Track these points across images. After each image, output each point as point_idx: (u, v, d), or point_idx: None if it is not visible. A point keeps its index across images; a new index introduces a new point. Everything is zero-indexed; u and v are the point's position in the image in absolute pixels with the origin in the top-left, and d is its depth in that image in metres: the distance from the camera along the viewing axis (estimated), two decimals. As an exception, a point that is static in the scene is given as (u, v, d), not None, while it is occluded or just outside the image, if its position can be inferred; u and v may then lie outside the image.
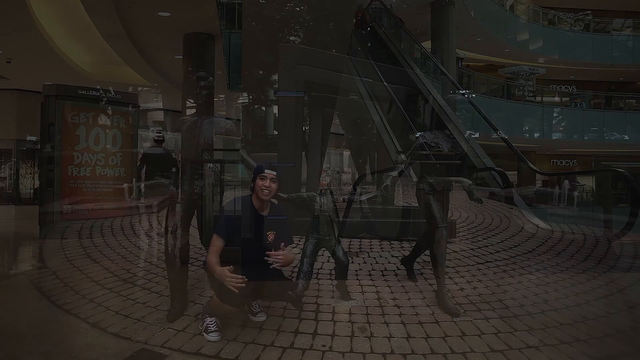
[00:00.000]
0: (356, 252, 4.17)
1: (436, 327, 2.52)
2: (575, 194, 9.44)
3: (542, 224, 5.38)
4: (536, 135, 13.50)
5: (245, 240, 2.34)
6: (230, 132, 3.13)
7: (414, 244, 3.54)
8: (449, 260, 3.75)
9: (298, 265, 2.86)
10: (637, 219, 4.05)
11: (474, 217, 5.81)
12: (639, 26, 14.96)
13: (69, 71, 8.30)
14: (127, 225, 5.13)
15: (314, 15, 7.11)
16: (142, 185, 5.66)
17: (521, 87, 13.64)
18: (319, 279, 3.30)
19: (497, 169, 5.34)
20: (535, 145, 13.96)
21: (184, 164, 2.94)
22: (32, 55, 7.84)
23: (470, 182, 3.00)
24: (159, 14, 6.97)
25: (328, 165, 10.98)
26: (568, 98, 14.92)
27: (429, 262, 3.24)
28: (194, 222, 2.95)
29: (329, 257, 3.40)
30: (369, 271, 3.59)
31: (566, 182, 9.54)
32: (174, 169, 4.57)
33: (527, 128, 13.63)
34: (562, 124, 13.91)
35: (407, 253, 3.54)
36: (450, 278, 3.38)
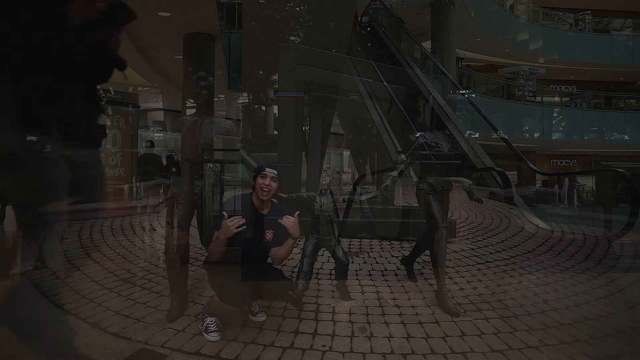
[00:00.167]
0: (356, 252, 4.17)
1: (436, 327, 2.52)
2: (575, 194, 9.44)
3: (542, 224, 5.38)
4: (536, 135, 13.49)
5: (245, 239, 2.34)
6: (230, 132, 3.12)
7: (414, 244, 3.54)
8: (449, 260, 3.75)
9: (298, 265, 2.86)
10: (637, 219, 4.05)
11: (474, 217, 5.81)
12: (639, 26, 14.96)
13: (69, 71, 8.28)
14: (127, 225, 5.13)
15: (314, 15, 7.11)
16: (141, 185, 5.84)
17: (521, 87, 13.64)
18: (319, 279, 3.30)
19: (497, 169, 5.34)
20: (535, 145, 13.96)
21: (184, 164, 2.94)
22: (32, 55, 7.83)
23: (470, 182, 3.00)
24: (159, 14, 6.97)
25: (328, 165, 10.99)
26: (568, 98, 14.91)
27: (429, 262, 3.24)
28: (194, 222, 2.95)
29: (329, 257, 3.40)
30: (369, 271, 3.59)
31: (566, 180, 9.55)
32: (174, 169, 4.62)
33: (527, 128, 13.62)
34: (562, 124, 13.91)
35: (407, 253, 3.54)
36: (450, 278, 3.38)
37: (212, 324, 2.33)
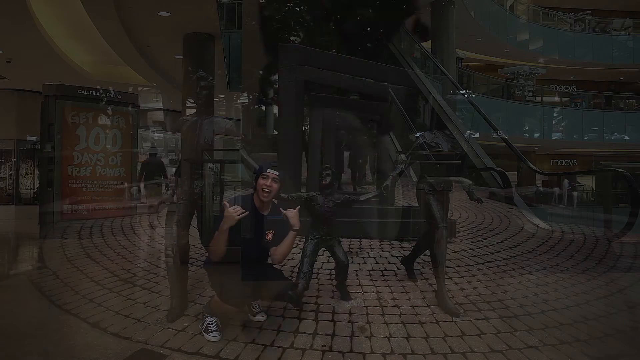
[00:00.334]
0: (356, 252, 4.17)
1: (436, 327, 2.52)
2: (575, 194, 9.45)
3: (542, 224, 5.38)
4: (536, 135, 13.50)
5: (245, 239, 2.34)
6: (230, 132, 3.12)
7: (414, 244, 3.54)
8: (449, 260, 3.75)
9: (298, 265, 2.86)
10: (637, 219, 4.06)
11: (474, 217, 5.81)
12: (639, 26, 14.96)
13: (69, 71, 8.30)
14: (127, 225, 5.13)
15: (314, 15, 7.11)
16: (142, 186, 5.98)
17: (521, 87, 13.65)
18: (319, 279, 3.30)
19: (497, 169, 5.34)
20: (535, 145, 13.97)
21: (184, 164, 2.94)
22: (32, 55, 7.85)
23: (470, 182, 3.00)
24: (159, 14, 6.97)
25: (328, 165, 10.97)
26: (568, 98, 14.92)
27: (429, 262, 3.24)
28: (194, 222, 2.95)
29: (329, 257, 3.40)
30: (369, 271, 3.59)
31: (565, 181, 9.55)
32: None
33: (527, 128, 13.63)
34: (562, 124, 13.91)
35: (407, 253, 3.54)
36: (450, 278, 3.38)
37: (212, 324, 2.33)
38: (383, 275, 3.51)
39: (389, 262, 3.84)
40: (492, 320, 2.61)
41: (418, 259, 3.48)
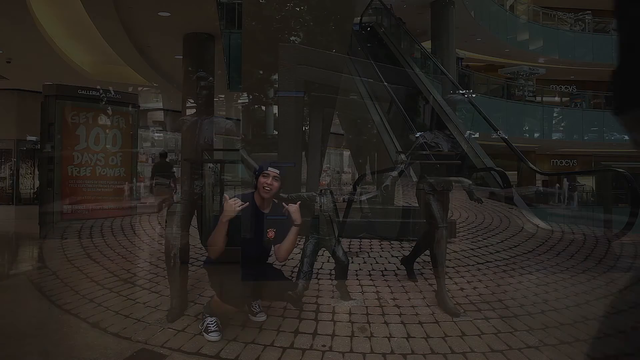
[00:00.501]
0: (356, 252, 4.17)
1: (436, 327, 2.52)
2: (575, 194, 9.44)
3: (542, 224, 5.38)
4: (536, 135, 13.49)
5: (245, 238, 2.35)
6: (230, 132, 3.12)
7: (414, 244, 3.54)
8: (449, 260, 3.75)
9: (298, 265, 2.87)
10: (637, 219, 4.05)
11: (474, 217, 5.81)
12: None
13: (69, 71, 8.31)
14: (127, 225, 5.13)
15: (314, 15, 7.11)
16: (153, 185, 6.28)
17: (521, 87, 13.63)
18: (319, 279, 3.30)
19: (497, 169, 5.33)
20: (535, 145, 13.96)
21: (184, 164, 2.94)
22: (32, 55, 7.85)
23: (470, 182, 3.00)
24: (159, 14, 6.97)
25: (328, 165, 10.99)
26: (568, 98, 14.91)
27: (429, 262, 3.24)
28: (194, 222, 2.95)
29: (329, 257, 3.40)
30: (369, 271, 3.59)
31: (565, 180, 9.54)
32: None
33: (527, 128, 13.62)
34: (562, 124, 13.90)
35: (407, 253, 3.54)
36: (450, 278, 3.38)
37: (212, 324, 2.33)
38: (383, 275, 3.51)
39: (389, 262, 3.84)
40: (492, 320, 2.61)
41: (418, 259, 3.48)
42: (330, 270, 3.39)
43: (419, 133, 3.57)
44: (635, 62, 0.77)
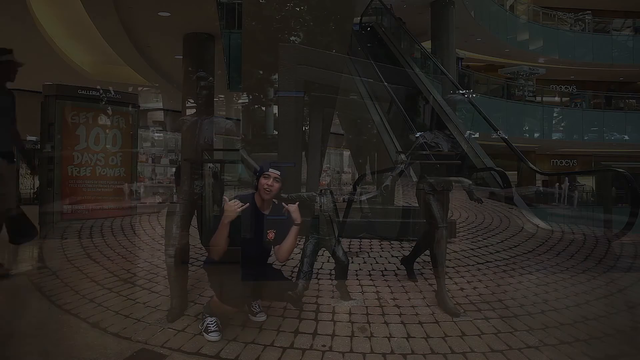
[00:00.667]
0: (356, 252, 4.17)
1: (436, 327, 2.52)
2: (575, 193, 9.44)
3: (542, 224, 5.38)
4: (536, 135, 13.49)
5: (245, 239, 2.35)
6: (230, 132, 3.12)
7: (414, 244, 3.54)
8: (449, 260, 3.75)
9: (298, 265, 2.86)
10: (637, 219, 4.04)
11: (474, 217, 5.81)
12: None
13: (69, 71, 8.30)
14: (127, 225, 5.13)
15: (314, 15, 7.11)
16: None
17: (521, 87, 13.63)
18: (319, 279, 3.30)
19: (497, 169, 5.33)
20: (535, 145, 13.96)
21: (184, 164, 2.94)
22: (32, 55, 7.84)
23: (470, 182, 3.00)
24: (159, 14, 6.98)
25: (328, 165, 10.98)
26: (568, 98, 14.91)
27: (429, 262, 3.24)
28: (194, 222, 2.95)
29: (329, 257, 3.40)
30: (369, 271, 3.59)
31: (566, 180, 9.53)
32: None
33: (527, 128, 13.62)
34: (562, 124, 13.90)
35: (407, 253, 3.54)
36: (450, 278, 3.38)
37: (212, 324, 2.33)
38: (383, 275, 3.51)
39: (389, 262, 3.84)
40: (492, 320, 2.61)
41: (418, 259, 3.48)
42: (330, 270, 3.39)
43: (419, 133, 3.57)
44: None
